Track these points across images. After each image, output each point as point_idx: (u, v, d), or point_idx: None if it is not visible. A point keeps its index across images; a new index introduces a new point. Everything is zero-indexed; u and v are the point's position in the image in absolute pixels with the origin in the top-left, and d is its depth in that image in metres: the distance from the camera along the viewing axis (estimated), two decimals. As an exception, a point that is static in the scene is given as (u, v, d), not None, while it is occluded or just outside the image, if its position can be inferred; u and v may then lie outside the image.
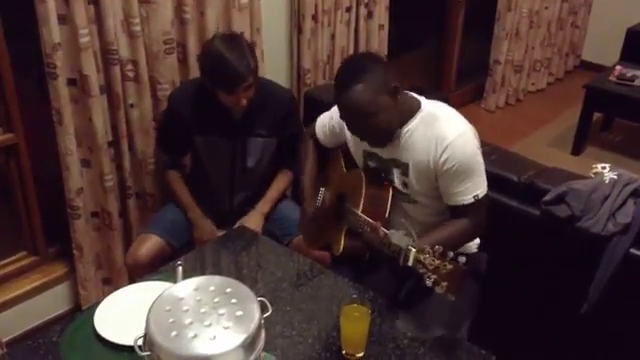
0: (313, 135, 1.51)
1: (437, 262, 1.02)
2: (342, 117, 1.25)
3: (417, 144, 1.25)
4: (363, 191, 1.31)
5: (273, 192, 1.73)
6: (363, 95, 1.18)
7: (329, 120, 1.46)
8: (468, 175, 1.22)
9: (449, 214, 1.28)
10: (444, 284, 1.01)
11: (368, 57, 1.32)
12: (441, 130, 1.22)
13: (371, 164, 1.35)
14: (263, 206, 1.71)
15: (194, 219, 1.68)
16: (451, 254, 1.02)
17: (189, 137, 1.64)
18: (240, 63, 1.47)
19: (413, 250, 1.07)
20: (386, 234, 1.17)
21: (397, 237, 1.13)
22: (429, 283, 1.03)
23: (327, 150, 1.52)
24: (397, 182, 1.31)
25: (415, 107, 1.27)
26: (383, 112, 1.20)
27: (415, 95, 1.29)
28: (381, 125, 1.21)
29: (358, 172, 1.37)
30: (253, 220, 1.67)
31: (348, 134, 1.39)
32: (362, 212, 1.29)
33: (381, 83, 1.20)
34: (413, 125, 1.26)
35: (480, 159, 1.25)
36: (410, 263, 1.08)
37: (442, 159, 1.21)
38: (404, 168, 1.28)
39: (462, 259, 1.02)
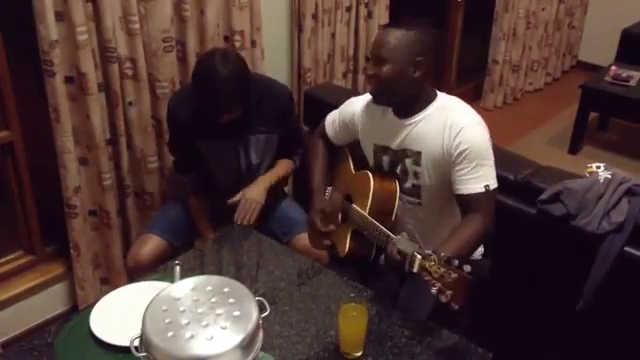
0: (322, 133, 1.51)
1: (442, 270, 1.02)
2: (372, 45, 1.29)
3: (430, 131, 1.26)
4: (371, 193, 1.31)
5: (275, 170, 1.71)
6: (391, 39, 1.23)
7: (339, 115, 1.46)
8: (480, 162, 1.22)
9: (460, 209, 1.27)
10: (448, 293, 1.00)
11: (424, 22, 1.31)
12: (455, 117, 1.24)
13: (384, 158, 1.35)
14: (265, 179, 1.67)
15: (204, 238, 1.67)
16: (456, 262, 1.02)
17: (194, 144, 1.61)
18: (224, 99, 1.46)
19: (419, 257, 1.07)
20: (392, 239, 1.16)
21: (403, 243, 1.13)
22: (434, 291, 1.03)
23: (335, 150, 1.51)
24: (409, 173, 1.31)
25: (431, 97, 1.29)
26: (393, 66, 1.22)
27: (433, 88, 1.31)
28: (383, 76, 1.23)
29: (366, 173, 1.37)
30: (255, 190, 1.64)
31: (359, 128, 1.39)
32: (369, 214, 1.28)
33: (412, 48, 1.23)
34: (427, 114, 1.27)
35: (491, 151, 1.25)
36: (415, 269, 1.07)
37: (455, 143, 1.22)
38: (416, 157, 1.29)
39: (467, 268, 1.01)
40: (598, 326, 1.47)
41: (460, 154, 1.22)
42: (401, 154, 1.31)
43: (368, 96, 1.37)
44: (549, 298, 1.52)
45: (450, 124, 1.23)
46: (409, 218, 1.35)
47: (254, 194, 1.63)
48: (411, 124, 1.28)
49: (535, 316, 1.56)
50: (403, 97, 1.27)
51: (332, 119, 1.49)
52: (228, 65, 1.46)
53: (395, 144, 1.32)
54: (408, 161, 1.30)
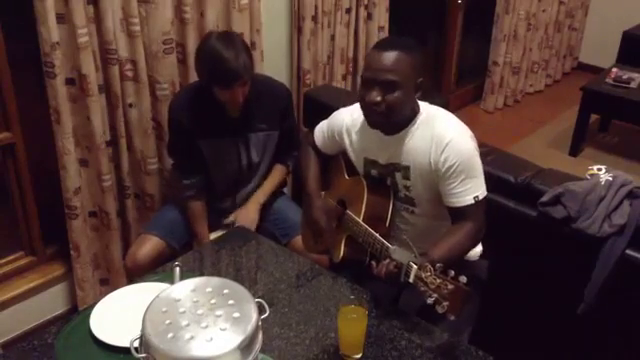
0: (312, 142, 1.52)
1: (438, 281, 1.01)
2: (367, 73, 1.21)
3: (417, 145, 1.26)
4: (364, 199, 1.30)
5: (268, 184, 1.74)
6: (399, 63, 1.18)
7: (327, 127, 1.47)
8: (468, 175, 1.23)
9: (450, 218, 1.27)
10: (445, 304, 1.00)
11: (416, 43, 1.28)
12: (440, 130, 1.24)
13: (372, 171, 1.35)
14: (259, 196, 1.71)
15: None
16: (452, 273, 1.01)
17: (196, 145, 1.62)
18: (236, 59, 1.47)
19: (414, 267, 1.06)
20: (387, 248, 1.16)
21: (398, 253, 1.12)
22: (430, 302, 1.02)
23: (328, 157, 1.52)
24: (400, 186, 1.31)
25: (416, 110, 1.28)
26: (403, 91, 1.20)
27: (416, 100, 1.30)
28: (395, 102, 1.19)
29: (360, 179, 1.36)
30: (250, 210, 1.67)
31: (347, 142, 1.39)
32: (363, 220, 1.28)
33: (416, 70, 1.21)
34: (414, 128, 1.27)
35: (479, 160, 1.26)
36: (411, 280, 1.07)
37: (442, 157, 1.22)
38: (405, 171, 1.29)
39: (463, 279, 1.00)
40: (599, 329, 1.47)
41: (448, 169, 1.22)
42: (391, 168, 1.31)
43: (355, 108, 1.35)
44: (550, 301, 1.52)
45: (436, 138, 1.23)
46: (403, 225, 1.35)
47: (248, 220, 1.64)
48: (398, 139, 1.28)
49: (536, 319, 1.55)
50: (401, 119, 1.26)
51: (321, 130, 1.49)
52: (228, 41, 1.49)
53: (383, 159, 1.32)
54: (398, 175, 1.30)
